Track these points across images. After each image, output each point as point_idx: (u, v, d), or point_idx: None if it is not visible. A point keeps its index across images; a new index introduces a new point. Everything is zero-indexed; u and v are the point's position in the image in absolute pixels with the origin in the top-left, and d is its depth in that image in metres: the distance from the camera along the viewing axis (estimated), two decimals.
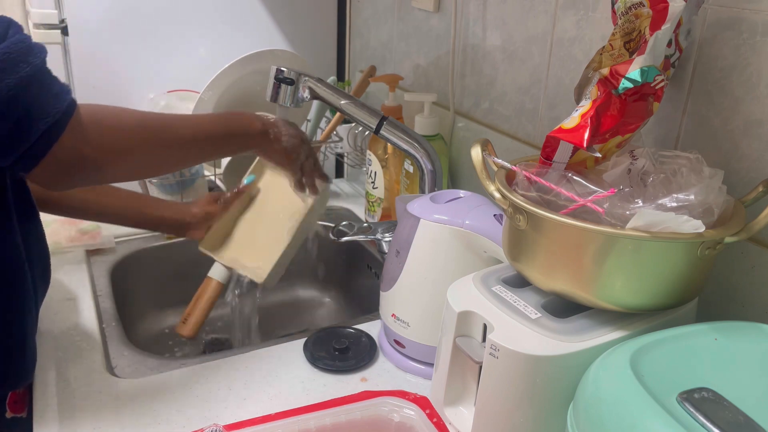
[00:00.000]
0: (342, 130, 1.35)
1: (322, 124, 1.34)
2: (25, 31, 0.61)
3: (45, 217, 0.83)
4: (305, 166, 0.95)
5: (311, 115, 1.33)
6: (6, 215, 0.71)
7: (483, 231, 0.76)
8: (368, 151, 1.23)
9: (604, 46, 0.69)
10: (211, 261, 1.04)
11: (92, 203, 0.95)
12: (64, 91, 0.62)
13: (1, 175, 0.69)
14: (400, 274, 0.80)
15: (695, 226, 0.55)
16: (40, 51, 0.61)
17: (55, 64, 1.28)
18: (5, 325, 0.74)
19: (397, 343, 0.84)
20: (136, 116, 0.72)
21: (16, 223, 0.72)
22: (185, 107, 1.27)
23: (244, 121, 0.87)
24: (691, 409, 0.48)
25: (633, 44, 0.65)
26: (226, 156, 0.98)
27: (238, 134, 0.86)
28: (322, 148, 1.36)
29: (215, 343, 1.16)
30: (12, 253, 0.72)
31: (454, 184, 1.20)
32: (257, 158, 1.04)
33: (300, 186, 0.96)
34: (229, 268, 1.04)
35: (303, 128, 1.33)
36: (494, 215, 0.77)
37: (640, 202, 0.59)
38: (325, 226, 1.26)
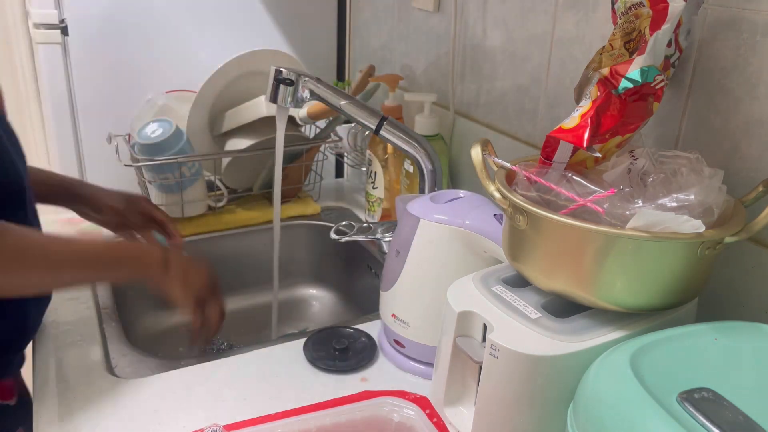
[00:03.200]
0: (342, 130, 1.35)
1: (322, 123, 1.34)
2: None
3: (45, 217, 0.83)
4: (207, 316, 0.85)
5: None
6: None
7: (483, 231, 0.76)
8: (368, 151, 1.23)
9: (604, 46, 0.69)
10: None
11: None
12: None
13: None
14: (400, 274, 0.80)
15: (695, 226, 0.55)
16: None
17: (55, 64, 1.30)
18: None
19: (397, 343, 0.84)
20: (13, 245, 0.68)
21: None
22: (183, 108, 1.27)
23: (142, 248, 0.83)
24: (691, 409, 0.48)
25: (633, 44, 0.66)
26: (112, 280, 0.90)
27: (128, 259, 0.79)
28: (322, 148, 1.36)
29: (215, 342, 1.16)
30: None
31: (454, 184, 1.20)
32: None
33: (194, 334, 0.86)
34: None
35: (307, 132, 1.33)
36: (494, 215, 0.77)
37: (640, 202, 0.59)
38: (325, 226, 1.26)
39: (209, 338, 0.88)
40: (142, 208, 0.98)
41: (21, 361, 0.89)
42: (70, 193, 0.94)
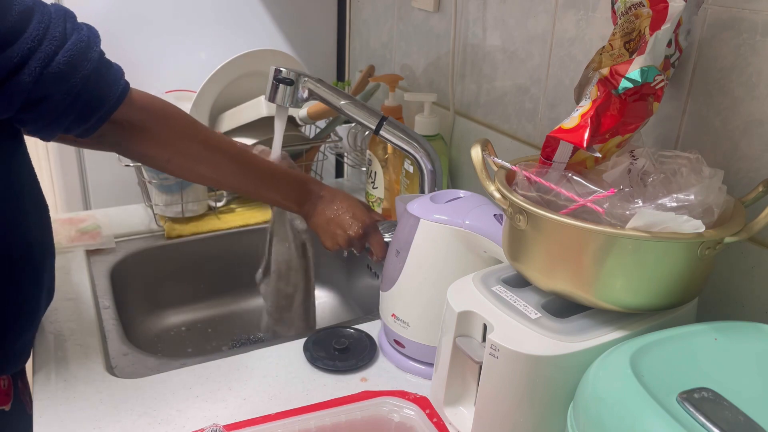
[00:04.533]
0: (342, 130, 1.35)
1: (322, 123, 1.34)
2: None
3: None
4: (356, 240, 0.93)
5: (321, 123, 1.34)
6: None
7: (483, 231, 0.76)
8: (368, 151, 1.23)
9: (604, 46, 0.69)
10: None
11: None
12: (116, 79, 0.72)
13: None
14: (400, 274, 0.80)
15: (695, 226, 0.55)
16: (94, 45, 0.69)
17: None
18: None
19: (397, 343, 0.84)
20: (185, 117, 0.82)
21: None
22: (183, 108, 1.26)
23: (301, 177, 0.92)
24: (691, 409, 0.48)
25: (633, 44, 0.65)
26: (264, 199, 0.93)
27: (288, 181, 0.90)
28: (322, 148, 1.36)
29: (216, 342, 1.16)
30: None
31: (454, 184, 1.20)
32: None
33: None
34: None
35: (307, 132, 1.33)
36: (494, 215, 0.77)
37: (640, 202, 0.59)
38: None
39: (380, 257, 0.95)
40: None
41: (19, 357, 0.86)
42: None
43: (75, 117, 0.69)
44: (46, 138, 0.71)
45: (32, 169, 0.80)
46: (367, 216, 0.94)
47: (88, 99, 0.69)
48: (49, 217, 0.84)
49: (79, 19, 0.72)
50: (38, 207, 0.82)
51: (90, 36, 0.69)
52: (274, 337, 1.06)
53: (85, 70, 0.67)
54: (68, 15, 0.69)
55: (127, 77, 0.74)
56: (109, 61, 0.72)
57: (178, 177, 0.89)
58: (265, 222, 1.26)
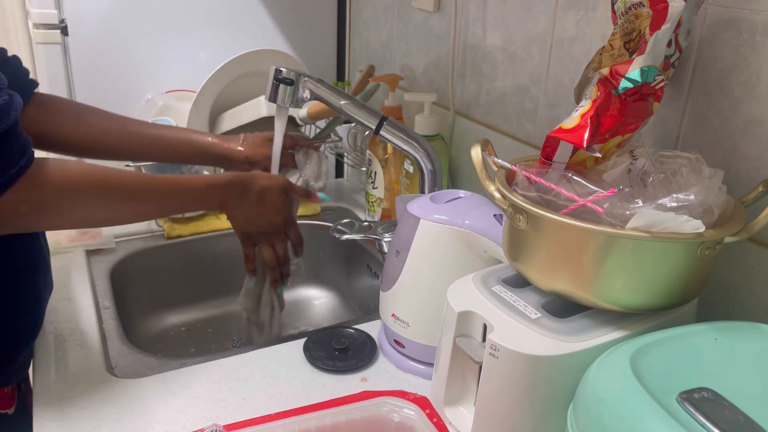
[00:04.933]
0: (342, 130, 1.35)
1: (322, 123, 1.34)
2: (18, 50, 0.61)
3: None
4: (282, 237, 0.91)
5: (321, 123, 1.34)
6: None
7: (483, 231, 0.76)
8: (368, 151, 1.23)
9: (604, 46, 0.69)
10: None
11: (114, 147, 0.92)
12: (23, 150, 0.64)
13: None
14: (400, 274, 0.80)
15: (695, 226, 0.55)
16: (9, 112, 0.62)
17: (55, 64, 1.30)
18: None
19: (397, 343, 0.84)
20: (90, 177, 0.73)
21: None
22: (183, 108, 1.27)
23: (214, 182, 0.86)
24: (691, 409, 0.48)
25: (633, 44, 0.65)
26: (189, 209, 0.95)
27: (201, 184, 0.84)
28: (322, 148, 1.36)
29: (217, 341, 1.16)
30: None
31: (454, 184, 1.20)
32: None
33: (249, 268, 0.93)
34: None
35: (307, 132, 1.33)
36: (494, 215, 0.77)
37: (640, 202, 0.59)
38: (325, 226, 1.26)
39: (284, 273, 0.93)
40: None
41: (23, 366, 0.87)
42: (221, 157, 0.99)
43: None
44: None
45: None
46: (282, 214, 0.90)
47: None
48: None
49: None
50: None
51: (11, 104, 0.63)
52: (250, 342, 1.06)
53: None
54: None
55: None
56: (14, 137, 0.64)
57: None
58: None
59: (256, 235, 0.89)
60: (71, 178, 0.70)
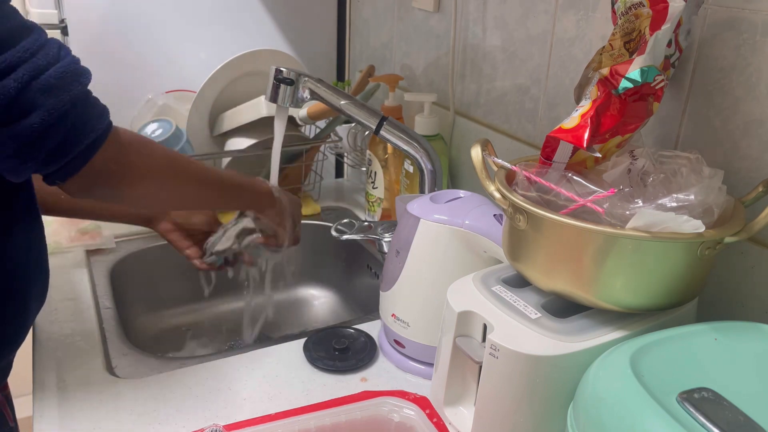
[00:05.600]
0: (342, 130, 1.35)
1: (322, 123, 1.34)
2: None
3: (45, 218, 0.83)
4: (294, 234, 0.99)
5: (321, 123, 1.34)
6: (10, 218, 0.71)
7: (483, 231, 0.76)
8: (368, 151, 1.23)
9: (604, 46, 0.69)
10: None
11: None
12: (105, 112, 0.67)
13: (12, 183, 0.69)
14: (400, 274, 0.80)
15: (695, 226, 0.55)
16: (86, 74, 0.65)
17: None
18: None
19: (397, 343, 0.84)
20: (164, 150, 0.78)
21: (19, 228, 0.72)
22: (183, 108, 1.27)
23: (255, 181, 0.92)
24: (691, 409, 0.48)
25: (633, 44, 0.65)
26: (231, 209, 1.01)
27: (248, 189, 0.91)
28: (322, 148, 1.36)
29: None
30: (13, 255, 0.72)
31: (454, 184, 1.20)
32: None
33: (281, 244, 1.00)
34: None
35: (307, 132, 1.33)
36: (494, 215, 0.77)
37: (640, 202, 0.59)
38: (325, 226, 1.26)
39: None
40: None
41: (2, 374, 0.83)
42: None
43: (57, 145, 0.62)
44: (18, 174, 0.64)
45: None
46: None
47: (74, 122, 0.62)
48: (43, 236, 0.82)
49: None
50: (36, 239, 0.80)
51: (83, 68, 0.66)
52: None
53: (76, 90, 0.63)
54: (63, 46, 0.66)
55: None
56: (96, 98, 0.67)
57: (153, 209, 0.93)
58: None
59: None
60: (145, 145, 0.74)
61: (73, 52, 0.66)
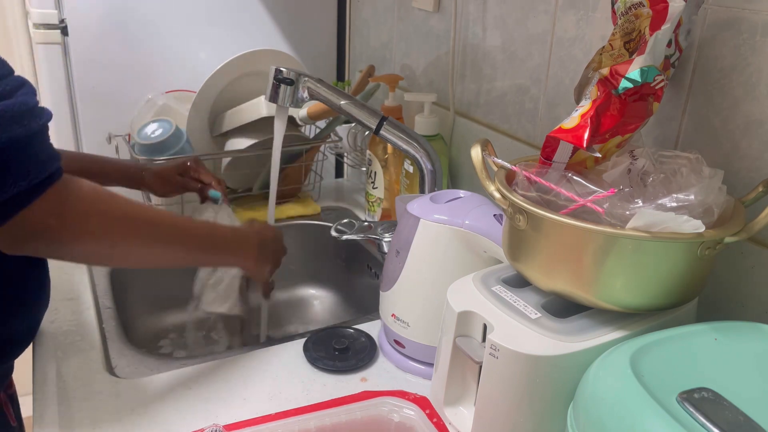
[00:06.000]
0: (342, 130, 1.35)
1: (322, 123, 1.34)
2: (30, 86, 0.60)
3: None
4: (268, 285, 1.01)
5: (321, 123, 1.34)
6: None
7: (483, 231, 0.76)
8: (368, 151, 1.23)
9: (604, 46, 0.69)
10: None
11: None
12: (52, 159, 0.60)
13: None
14: (400, 274, 0.80)
15: (695, 226, 0.55)
16: (40, 116, 0.59)
17: (55, 64, 1.30)
18: None
19: (397, 343, 0.84)
20: (128, 207, 0.70)
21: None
22: (183, 108, 1.27)
23: (236, 233, 0.87)
24: (691, 409, 0.48)
25: (633, 44, 0.65)
26: (207, 266, 0.98)
27: (222, 248, 0.84)
28: (322, 148, 1.36)
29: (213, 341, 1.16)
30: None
31: (454, 184, 1.20)
32: None
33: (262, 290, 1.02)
34: None
35: (307, 132, 1.33)
36: (494, 215, 0.77)
37: (640, 202, 0.59)
38: (325, 226, 1.26)
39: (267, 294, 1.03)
40: (193, 174, 1.08)
41: (2, 379, 0.83)
42: (135, 178, 1.05)
43: None
44: None
45: None
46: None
47: (7, 164, 0.56)
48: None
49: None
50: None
51: (36, 109, 0.59)
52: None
53: (14, 132, 0.56)
54: (26, 84, 0.60)
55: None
56: (50, 145, 0.61)
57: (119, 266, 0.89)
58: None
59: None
60: (102, 200, 0.66)
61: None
